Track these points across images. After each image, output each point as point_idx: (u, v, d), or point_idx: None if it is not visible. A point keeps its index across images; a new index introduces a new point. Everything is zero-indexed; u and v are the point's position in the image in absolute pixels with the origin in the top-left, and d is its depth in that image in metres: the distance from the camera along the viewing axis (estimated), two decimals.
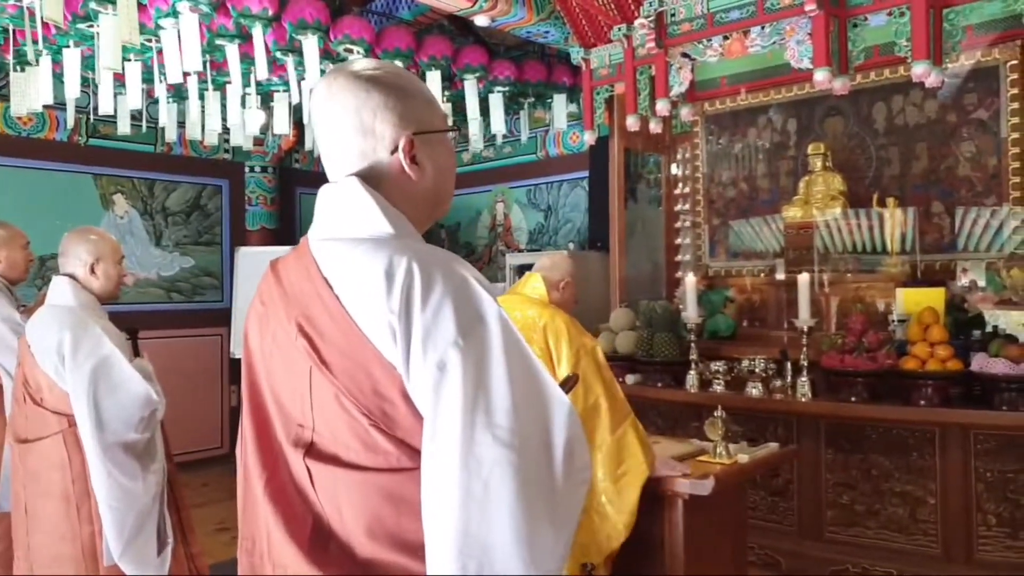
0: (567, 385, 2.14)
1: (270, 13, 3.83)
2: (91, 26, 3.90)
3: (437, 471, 0.95)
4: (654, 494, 2.39)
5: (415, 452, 0.99)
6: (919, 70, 3.27)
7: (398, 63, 4.29)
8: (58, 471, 2.32)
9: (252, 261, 6.18)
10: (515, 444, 0.94)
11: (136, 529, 2.31)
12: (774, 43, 3.71)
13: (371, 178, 1.11)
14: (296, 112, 5.16)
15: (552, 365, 2.41)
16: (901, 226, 4.00)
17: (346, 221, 1.09)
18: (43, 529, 2.34)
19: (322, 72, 4.38)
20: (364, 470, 1.01)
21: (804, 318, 3.64)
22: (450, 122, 1.23)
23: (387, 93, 1.10)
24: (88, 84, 4.67)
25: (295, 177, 7.03)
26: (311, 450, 1.06)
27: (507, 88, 5.04)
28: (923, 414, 3.29)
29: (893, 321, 3.68)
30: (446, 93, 4.88)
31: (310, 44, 3.99)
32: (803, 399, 3.57)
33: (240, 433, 1.19)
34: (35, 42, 3.91)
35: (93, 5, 3.65)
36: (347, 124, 1.10)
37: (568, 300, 2.66)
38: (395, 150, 1.11)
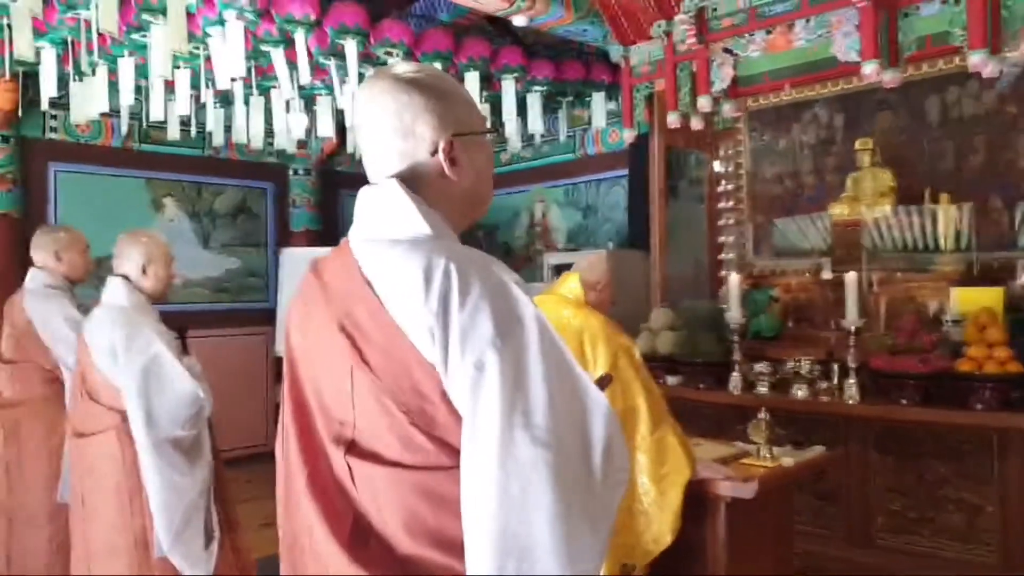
0: (601, 384, 2.12)
1: (312, 18, 3.89)
2: (144, 36, 4.01)
3: (475, 471, 0.96)
4: (696, 497, 2.35)
5: (454, 451, 1.00)
6: (976, 60, 3.16)
7: (437, 65, 4.32)
8: (112, 465, 2.40)
9: (296, 262, 6.27)
10: (553, 444, 0.95)
11: (184, 523, 2.37)
12: (819, 36, 3.62)
13: (411, 179, 1.12)
14: (338, 115, 5.22)
15: (587, 367, 2.38)
16: (955, 223, 3.86)
17: (386, 222, 1.11)
18: (98, 520, 2.42)
19: (363, 76, 4.43)
20: (403, 468, 1.03)
21: (852, 318, 3.54)
22: (488, 123, 1.24)
23: (427, 95, 1.12)
24: (140, 92, 4.80)
25: (338, 179, 7.12)
26: (352, 447, 1.07)
27: (545, 88, 5.03)
28: (980, 418, 3.17)
29: (947, 322, 3.56)
30: (484, 94, 4.88)
31: (351, 48, 4.04)
32: (851, 401, 3.48)
33: (280, 429, 1.21)
34: (91, 52, 4.04)
35: (145, 16, 3.75)
36: (388, 126, 1.12)
37: (605, 301, 2.64)
38: (435, 151, 1.12)
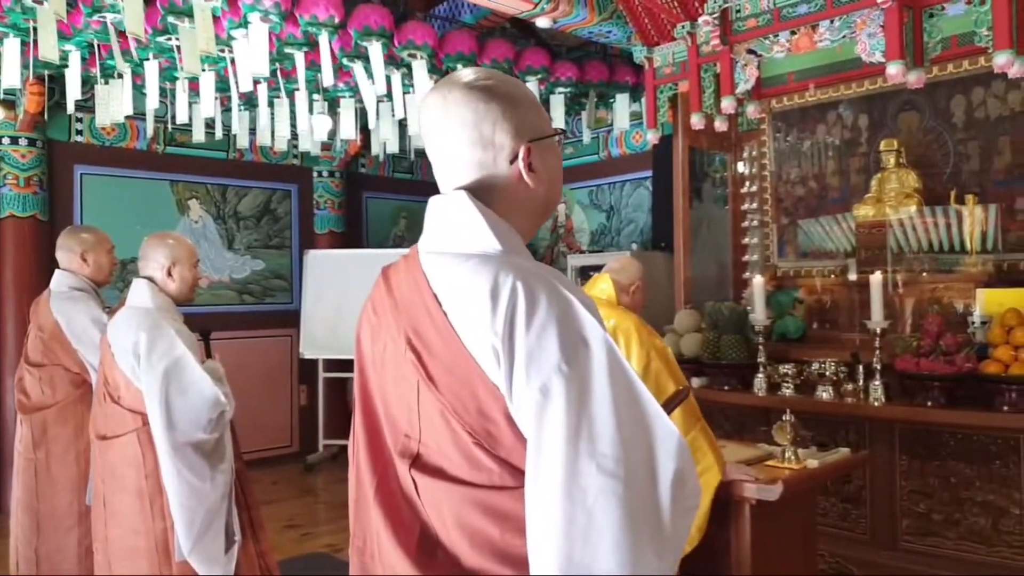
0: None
1: (336, 21, 3.92)
2: (169, 39, 4.06)
3: (540, 499, 0.95)
4: (721, 499, 2.35)
5: (518, 471, 1.00)
6: (1001, 60, 3.13)
7: (459, 67, 4.35)
8: (133, 468, 2.40)
9: (320, 264, 6.33)
10: (620, 473, 0.93)
11: (205, 526, 2.37)
12: (844, 37, 3.60)
13: (485, 189, 1.11)
14: (362, 117, 5.26)
15: None
16: (981, 224, 3.82)
17: (455, 235, 1.10)
18: (119, 523, 2.42)
19: (388, 78, 4.46)
20: (468, 485, 1.02)
21: (877, 320, 3.52)
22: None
23: (503, 103, 1.11)
24: (165, 95, 4.86)
25: (361, 181, 7.16)
26: (417, 461, 1.08)
27: (569, 89, 5.04)
28: (1006, 420, 3.15)
29: (973, 323, 3.53)
30: None
31: (375, 51, 4.07)
32: (876, 403, 3.45)
33: (352, 434, 1.21)
34: (119, 55, 4.09)
35: (171, 19, 3.80)
36: (465, 137, 1.10)
37: (637, 304, 2.65)
38: (514, 159, 1.12)
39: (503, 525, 1.00)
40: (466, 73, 1.15)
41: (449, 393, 1.03)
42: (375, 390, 1.16)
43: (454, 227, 1.10)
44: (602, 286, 2.63)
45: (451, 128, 1.11)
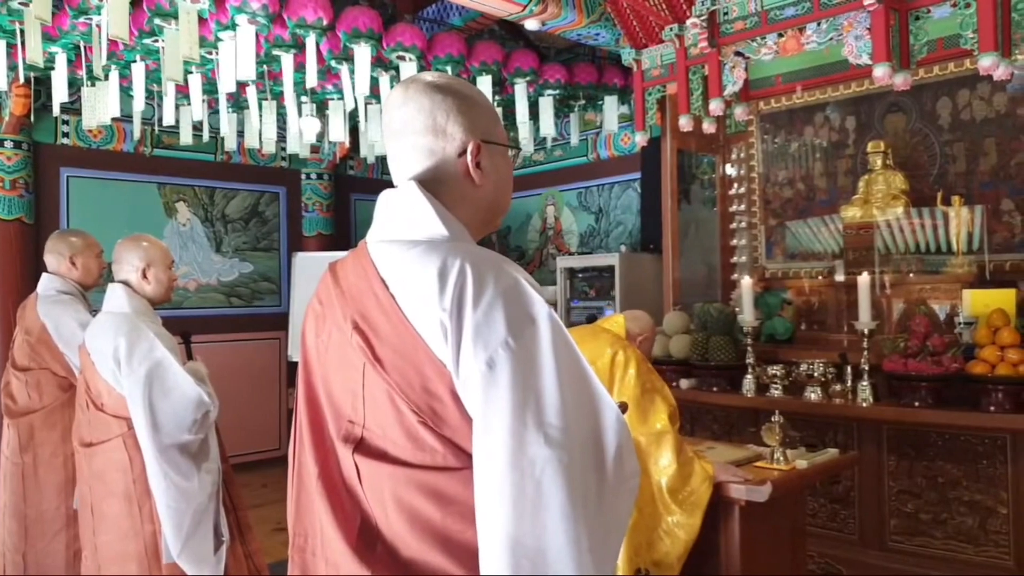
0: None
1: (324, 23, 3.91)
2: (156, 41, 4.03)
3: (488, 470, 0.96)
4: (710, 500, 2.36)
5: (462, 452, 1.02)
6: (986, 63, 3.16)
7: (448, 69, 4.34)
8: (120, 472, 2.39)
9: (309, 266, 6.30)
10: (566, 444, 0.96)
11: (193, 527, 2.36)
12: (831, 39, 3.62)
13: (434, 180, 1.15)
14: (351, 119, 5.25)
15: (611, 388, 2.44)
16: (967, 225, 3.85)
17: (404, 224, 1.13)
18: (109, 528, 2.41)
19: (374, 80, 4.45)
20: (411, 467, 1.04)
21: (864, 320, 3.54)
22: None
23: (460, 99, 1.17)
24: (152, 96, 4.83)
25: (350, 183, 7.14)
26: (360, 446, 1.09)
27: (557, 91, 5.04)
28: (993, 420, 3.17)
29: (959, 324, 3.56)
30: (496, 97, 4.89)
31: (362, 53, 4.05)
32: (864, 404, 3.47)
33: (293, 431, 1.22)
34: (106, 57, 4.07)
35: (157, 21, 3.78)
36: (420, 124, 1.15)
37: (645, 353, 2.72)
38: (463, 152, 1.15)
39: (445, 508, 1.01)
40: (430, 74, 1.21)
41: (395, 372, 1.05)
42: (319, 381, 1.18)
43: (403, 216, 1.14)
44: (616, 320, 2.74)
45: (408, 114, 1.16)
